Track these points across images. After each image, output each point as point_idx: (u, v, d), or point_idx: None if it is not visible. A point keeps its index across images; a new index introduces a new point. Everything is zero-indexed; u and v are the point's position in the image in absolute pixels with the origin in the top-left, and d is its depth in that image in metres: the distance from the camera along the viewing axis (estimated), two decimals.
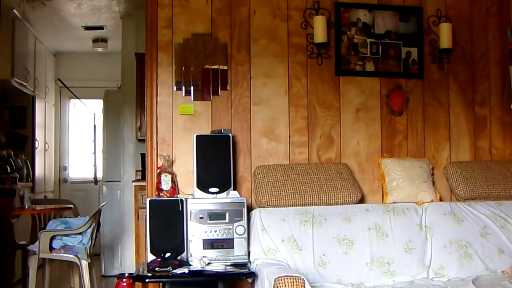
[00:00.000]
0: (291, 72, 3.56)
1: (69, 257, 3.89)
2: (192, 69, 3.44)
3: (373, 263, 3.14)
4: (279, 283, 2.49)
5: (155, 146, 3.39)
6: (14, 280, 4.54)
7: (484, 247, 3.27)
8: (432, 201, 3.45)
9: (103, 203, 4.60)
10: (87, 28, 6.51)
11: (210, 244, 2.99)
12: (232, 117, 3.48)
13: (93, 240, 4.02)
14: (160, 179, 3.25)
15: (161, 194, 3.22)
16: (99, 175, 6.95)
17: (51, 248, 3.85)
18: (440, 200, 3.54)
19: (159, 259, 2.89)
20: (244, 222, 3.03)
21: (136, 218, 4.64)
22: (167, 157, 3.29)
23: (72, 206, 4.86)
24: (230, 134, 3.24)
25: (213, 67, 3.47)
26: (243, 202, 3.07)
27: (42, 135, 6.55)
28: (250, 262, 3.03)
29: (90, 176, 7.46)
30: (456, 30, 3.76)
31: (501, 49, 3.87)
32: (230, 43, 3.50)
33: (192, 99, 3.44)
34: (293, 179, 3.29)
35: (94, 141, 7.40)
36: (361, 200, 3.42)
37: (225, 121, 3.45)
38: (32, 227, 4.68)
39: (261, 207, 3.24)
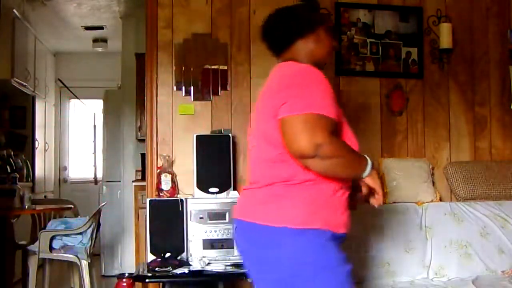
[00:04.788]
0: None
1: (69, 257, 3.89)
2: (192, 69, 3.44)
3: (373, 263, 3.14)
4: None
5: (155, 146, 3.39)
6: (14, 280, 4.54)
7: (484, 247, 3.27)
8: (432, 201, 3.45)
9: (103, 203, 4.60)
10: (87, 28, 6.51)
11: (210, 244, 2.99)
12: (232, 117, 3.48)
13: (93, 240, 4.02)
14: (160, 179, 3.25)
15: (161, 194, 3.22)
16: (99, 175, 6.94)
17: (51, 248, 3.85)
18: (440, 200, 3.54)
19: (159, 259, 2.89)
20: None
21: (136, 218, 4.64)
22: (167, 157, 3.29)
23: (72, 206, 4.86)
24: (230, 134, 3.24)
25: (213, 67, 3.47)
26: None
27: (42, 135, 6.55)
28: None
29: (90, 176, 7.47)
30: (456, 30, 3.76)
31: (501, 49, 3.86)
32: (230, 43, 3.50)
33: (192, 99, 3.44)
34: None
35: (94, 141, 7.40)
36: None
37: (225, 121, 3.45)
38: (32, 227, 4.68)
39: None
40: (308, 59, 1.90)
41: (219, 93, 3.47)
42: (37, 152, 6.22)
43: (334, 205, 1.76)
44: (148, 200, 3.09)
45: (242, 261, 1.93)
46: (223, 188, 3.14)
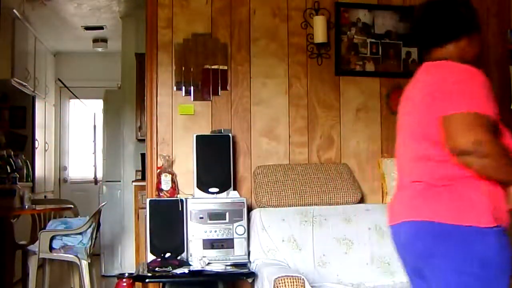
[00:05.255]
0: (291, 72, 3.56)
1: (69, 257, 3.89)
2: (192, 69, 3.45)
3: (373, 263, 3.13)
4: (279, 283, 2.49)
5: (155, 146, 3.39)
6: (14, 280, 4.54)
7: None
8: None
9: (103, 203, 4.60)
10: (87, 28, 6.51)
11: (210, 244, 2.99)
12: (232, 117, 3.48)
13: (93, 240, 4.02)
14: (160, 179, 3.25)
15: (161, 194, 3.22)
16: (99, 175, 6.95)
17: (51, 248, 3.85)
18: None
19: (159, 259, 2.89)
20: (244, 222, 3.03)
21: (136, 218, 4.64)
22: (167, 157, 3.29)
23: (72, 206, 4.86)
24: (230, 134, 3.24)
25: (213, 67, 3.47)
26: (243, 202, 3.07)
27: (42, 135, 6.55)
28: (250, 262, 3.03)
29: (90, 176, 7.48)
30: None
31: (501, 49, 3.86)
32: (230, 43, 3.50)
33: (192, 99, 3.44)
34: (293, 179, 3.29)
35: (94, 141, 7.41)
36: (361, 200, 3.41)
37: (225, 121, 3.45)
38: (32, 227, 4.68)
39: (261, 207, 3.24)
40: (459, 60, 1.86)
41: (219, 93, 3.47)
42: (37, 152, 6.22)
43: (501, 197, 1.72)
44: (148, 200, 3.08)
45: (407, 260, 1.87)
46: (223, 188, 3.14)
